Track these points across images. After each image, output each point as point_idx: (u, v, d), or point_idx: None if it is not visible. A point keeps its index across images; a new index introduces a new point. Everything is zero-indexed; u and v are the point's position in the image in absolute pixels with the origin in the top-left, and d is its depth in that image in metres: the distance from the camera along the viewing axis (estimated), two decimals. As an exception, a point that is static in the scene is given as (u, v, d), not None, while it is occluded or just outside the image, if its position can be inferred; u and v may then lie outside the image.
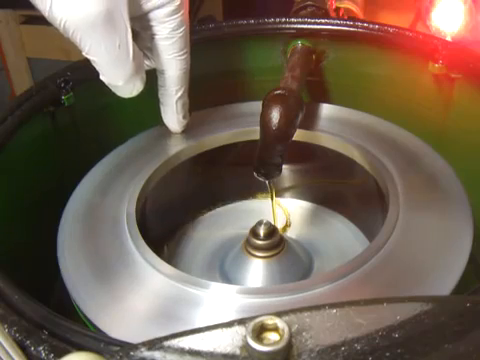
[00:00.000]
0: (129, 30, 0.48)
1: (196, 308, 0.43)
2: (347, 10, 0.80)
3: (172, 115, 0.58)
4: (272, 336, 0.28)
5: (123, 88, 0.51)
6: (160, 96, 0.57)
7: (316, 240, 0.61)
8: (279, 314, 0.28)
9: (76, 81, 0.61)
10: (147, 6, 0.50)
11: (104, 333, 0.41)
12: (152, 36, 0.52)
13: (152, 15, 0.51)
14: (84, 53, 0.48)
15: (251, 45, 0.69)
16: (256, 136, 0.53)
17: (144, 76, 0.52)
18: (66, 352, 0.32)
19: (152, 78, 0.54)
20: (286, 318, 0.28)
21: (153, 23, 0.51)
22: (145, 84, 0.52)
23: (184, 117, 0.58)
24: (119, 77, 0.49)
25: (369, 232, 0.61)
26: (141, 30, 0.53)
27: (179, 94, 0.56)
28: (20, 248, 0.54)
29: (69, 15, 0.45)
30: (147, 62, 0.55)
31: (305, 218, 0.66)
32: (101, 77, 0.50)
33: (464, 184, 0.52)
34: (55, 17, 0.46)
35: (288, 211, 0.66)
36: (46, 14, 0.46)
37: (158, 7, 0.50)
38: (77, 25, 0.46)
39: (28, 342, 0.34)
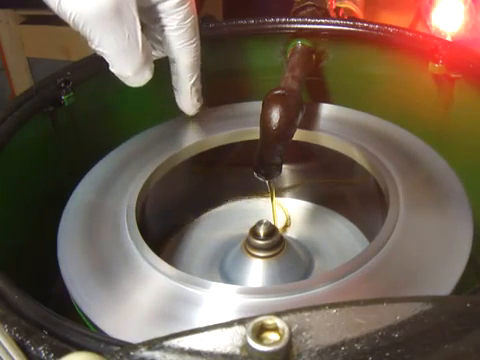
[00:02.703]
0: (138, 22, 0.49)
1: (196, 308, 0.43)
2: (347, 10, 0.80)
3: (186, 100, 0.59)
4: (272, 336, 0.28)
5: (132, 79, 0.52)
6: (174, 83, 0.58)
7: (316, 240, 0.61)
8: (279, 314, 0.28)
9: (76, 81, 0.61)
10: None
11: (104, 333, 0.41)
12: (161, 28, 0.54)
13: (160, 7, 0.52)
14: (94, 46, 0.49)
15: (251, 45, 0.69)
16: (256, 136, 0.53)
17: (152, 66, 0.53)
18: (66, 352, 0.32)
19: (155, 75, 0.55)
20: (286, 318, 0.28)
21: (161, 15, 0.52)
22: (149, 78, 0.53)
23: (198, 100, 0.60)
24: (129, 69, 0.50)
25: (369, 232, 0.61)
26: (149, 22, 0.54)
27: (192, 80, 0.57)
28: (20, 248, 0.54)
29: (78, 9, 0.46)
30: (154, 52, 0.56)
31: (305, 218, 0.66)
32: (111, 68, 0.51)
33: (464, 184, 0.52)
34: (64, 11, 0.46)
35: (288, 211, 0.66)
36: (55, 8, 0.46)
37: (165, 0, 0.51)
38: (86, 19, 0.46)
39: (28, 342, 0.34)
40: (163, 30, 0.54)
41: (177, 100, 0.60)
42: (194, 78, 0.57)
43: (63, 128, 0.62)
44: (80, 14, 0.46)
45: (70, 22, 0.47)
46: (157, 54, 0.57)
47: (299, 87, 0.57)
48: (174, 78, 0.58)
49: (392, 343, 0.27)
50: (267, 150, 0.52)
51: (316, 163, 0.66)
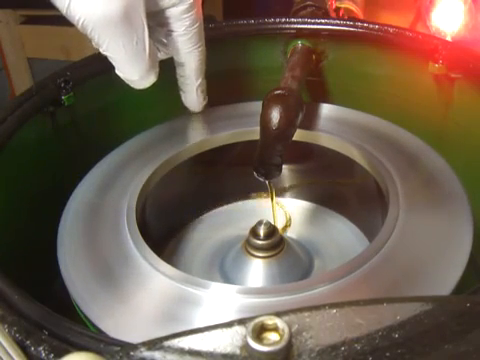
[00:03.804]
0: (146, 27, 0.49)
1: (196, 308, 0.43)
2: (347, 10, 0.80)
3: (192, 100, 0.60)
4: (272, 336, 0.28)
5: (138, 82, 0.53)
6: (180, 85, 0.59)
7: (316, 240, 0.61)
8: (279, 314, 0.28)
9: (76, 81, 0.61)
10: (162, 4, 0.52)
11: (104, 333, 0.41)
12: (168, 32, 0.54)
13: (168, 13, 0.53)
14: (101, 50, 0.49)
15: (251, 45, 0.69)
16: (256, 136, 0.53)
17: (158, 70, 0.53)
18: (66, 352, 0.32)
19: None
20: (286, 318, 0.28)
21: (169, 20, 0.53)
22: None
23: (204, 99, 0.61)
24: (135, 73, 0.51)
25: (369, 232, 0.61)
26: (155, 25, 0.54)
27: (199, 82, 0.58)
28: (20, 248, 0.54)
29: (88, 14, 0.46)
30: (158, 54, 0.56)
31: (305, 218, 0.66)
32: (117, 72, 0.52)
33: (464, 184, 0.52)
34: (73, 15, 0.46)
35: (288, 211, 0.66)
36: (64, 12, 0.47)
37: (172, 6, 0.52)
38: (95, 23, 0.47)
39: (28, 342, 0.34)
40: (170, 34, 0.54)
41: (183, 99, 0.60)
42: (200, 80, 0.58)
43: (63, 128, 0.62)
44: (89, 19, 0.46)
45: (78, 26, 0.47)
46: (161, 56, 0.57)
47: (299, 87, 0.57)
48: (180, 80, 0.59)
49: (392, 343, 0.27)
50: (267, 150, 0.52)
51: (316, 163, 0.66)
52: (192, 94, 0.59)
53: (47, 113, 0.60)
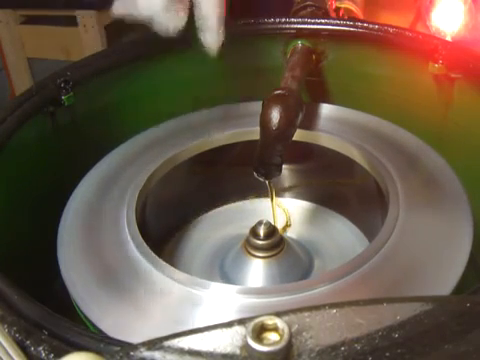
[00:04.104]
0: None
1: (196, 308, 0.43)
2: (347, 10, 0.80)
3: (213, 38, 0.58)
4: (272, 336, 0.28)
5: (163, 17, 0.52)
6: (200, 26, 0.57)
7: (316, 240, 0.61)
8: (279, 314, 0.28)
9: (76, 81, 0.61)
10: None
11: (104, 333, 0.41)
12: None
13: None
14: None
15: (251, 45, 0.69)
16: (256, 136, 0.53)
17: (187, 10, 0.53)
18: (66, 352, 0.32)
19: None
20: (286, 318, 0.28)
21: None
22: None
23: (222, 36, 0.59)
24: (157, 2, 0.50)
25: (369, 232, 0.61)
26: None
27: (218, 15, 0.57)
28: (20, 248, 0.54)
29: None
30: None
31: (305, 218, 0.66)
32: (140, 10, 0.51)
33: (464, 184, 0.52)
34: None
35: (288, 211, 0.66)
36: None
37: None
38: None
39: (28, 342, 0.34)
40: None
41: (203, 40, 0.58)
42: (219, 13, 0.57)
43: (63, 128, 0.62)
44: None
45: None
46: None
47: (299, 87, 0.57)
48: (199, 22, 0.57)
49: (392, 343, 0.27)
50: (267, 150, 0.52)
51: (316, 163, 0.66)
52: (213, 32, 0.58)
53: (47, 113, 0.60)
